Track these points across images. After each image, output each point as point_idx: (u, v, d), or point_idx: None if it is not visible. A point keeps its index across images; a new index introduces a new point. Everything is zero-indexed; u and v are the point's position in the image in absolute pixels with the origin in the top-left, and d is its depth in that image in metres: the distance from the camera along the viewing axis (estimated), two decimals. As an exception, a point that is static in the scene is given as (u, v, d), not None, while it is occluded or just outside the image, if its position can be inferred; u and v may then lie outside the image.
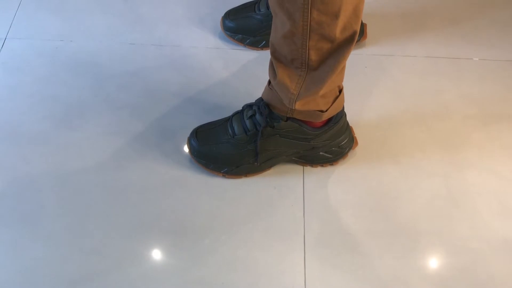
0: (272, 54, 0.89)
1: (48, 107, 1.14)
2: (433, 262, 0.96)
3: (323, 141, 1.01)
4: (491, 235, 0.99)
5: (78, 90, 1.17)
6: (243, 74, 1.20)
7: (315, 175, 1.05)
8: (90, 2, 1.33)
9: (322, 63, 0.84)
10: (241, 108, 1.04)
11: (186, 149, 1.08)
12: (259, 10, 1.22)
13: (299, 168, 1.06)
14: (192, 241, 0.97)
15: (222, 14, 1.26)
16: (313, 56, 0.83)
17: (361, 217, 1.00)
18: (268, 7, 1.21)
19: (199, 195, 1.03)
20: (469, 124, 1.13)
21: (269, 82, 0.96)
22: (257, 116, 0.99)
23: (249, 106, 1.02)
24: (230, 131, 1.02)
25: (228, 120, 1.04)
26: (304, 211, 1.01)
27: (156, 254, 0.96)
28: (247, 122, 1.01)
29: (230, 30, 1.24)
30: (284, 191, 1.04)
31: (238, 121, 1.02)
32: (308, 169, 1.06)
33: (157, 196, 1.03)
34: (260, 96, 1.01)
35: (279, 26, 0.82)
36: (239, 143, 1.01)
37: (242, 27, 1.22)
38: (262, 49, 1.24)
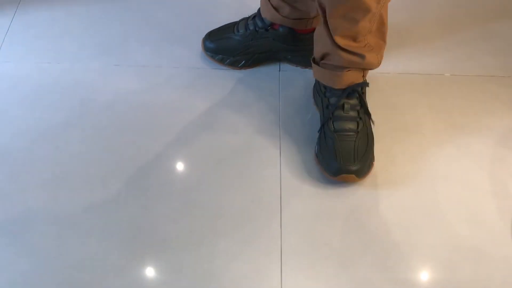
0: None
1: (35, 129, 1.18)
2: (405, 271, 1.00)
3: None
4: (459, 243, 1.03)
5: (63, 112, 1.22)
6: (223, 93, 1.25)
7: (293, 188, 1.10)
8: (76, 26, 1.39)
9: None
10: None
11: (165, 164, 1.12)
12: (238, 31, 1.26)
13: (276, 177, 1.10)
14: (171, 252, 1.01)
15: (203, 36, 1.31)
16: None
17: (336, 228, 1.05)
18: (246, 28, 1.26)
19: (177, 207, 1.07)
20: (439, 137, 1.18)
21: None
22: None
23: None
24: None
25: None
26: (281, 222, 1.05)
27: (137, 267, 1.00)
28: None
29: (211, 50, 1.29)
30: (261, 204, 1.07)
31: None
32: (285, 181, 1.10)
33: (138, 209, 1.07)
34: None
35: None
36: None
37: (222, 48, 1.27)
38: (241, 69, 1.28)
